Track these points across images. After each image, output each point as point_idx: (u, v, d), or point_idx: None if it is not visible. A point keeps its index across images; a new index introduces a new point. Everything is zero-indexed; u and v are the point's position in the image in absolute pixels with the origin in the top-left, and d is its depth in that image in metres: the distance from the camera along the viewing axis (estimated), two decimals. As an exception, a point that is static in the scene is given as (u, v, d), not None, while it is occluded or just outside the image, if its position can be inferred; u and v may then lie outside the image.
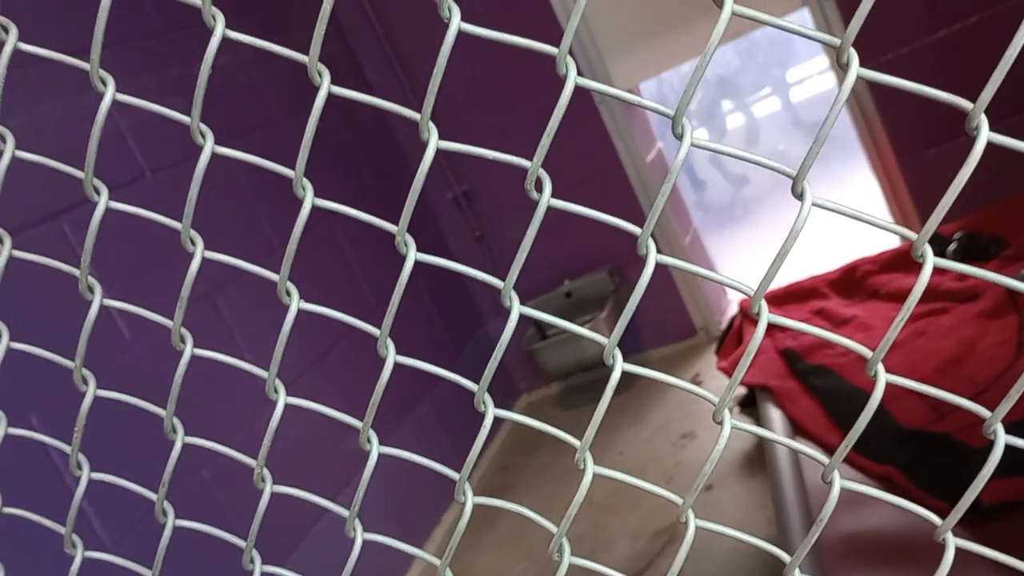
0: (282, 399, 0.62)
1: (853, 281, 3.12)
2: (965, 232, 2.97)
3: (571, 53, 0.53)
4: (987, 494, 1.67)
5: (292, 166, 0.59)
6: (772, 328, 3.13)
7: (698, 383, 3.50)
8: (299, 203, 0.59)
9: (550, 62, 0.53)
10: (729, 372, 2.89)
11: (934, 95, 0.51)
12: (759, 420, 2.54)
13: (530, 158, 0.56)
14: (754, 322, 2.97)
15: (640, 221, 0.54)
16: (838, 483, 0.60)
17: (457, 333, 3.80)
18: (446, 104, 3.38)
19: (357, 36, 3.76)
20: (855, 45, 0.50)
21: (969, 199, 2.72)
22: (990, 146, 0.51)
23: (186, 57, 2.75)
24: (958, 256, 2.95)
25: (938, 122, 3.22)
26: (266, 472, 0.65)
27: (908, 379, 0.61)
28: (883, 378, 0.57)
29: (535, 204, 0.56)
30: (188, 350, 0.63)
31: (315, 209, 0.59)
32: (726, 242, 5.44)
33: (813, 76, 7.40)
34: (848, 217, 0.55)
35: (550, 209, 0.56)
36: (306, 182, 0.59)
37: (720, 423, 0.60)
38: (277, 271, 0.61)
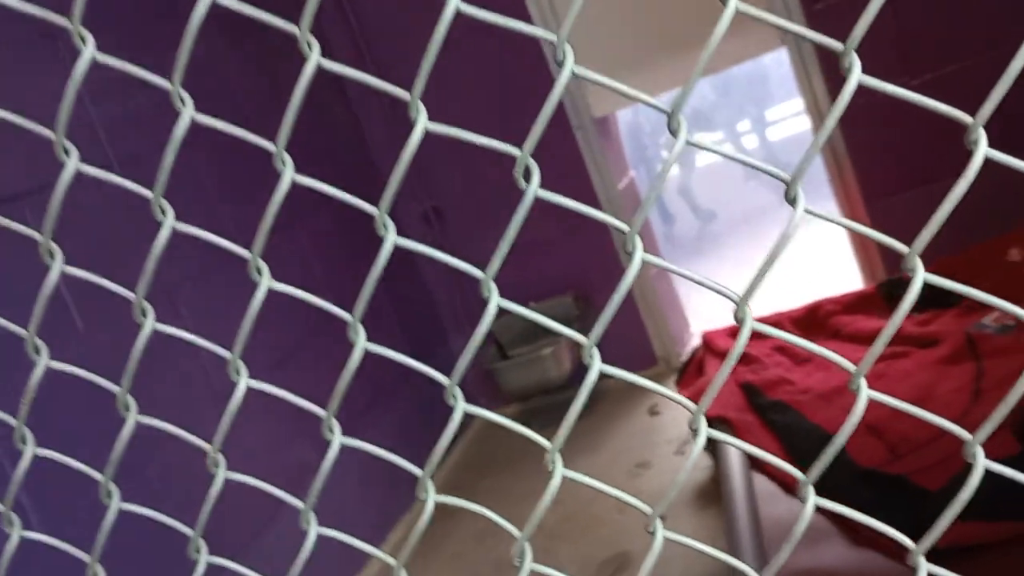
0: (243, 381, 0.60)
1: (816, 320, 3.14)
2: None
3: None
4: (944, 537, 1.67)
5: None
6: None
7: (655, 413, 3.50)
8: (264, 201, 0.57)
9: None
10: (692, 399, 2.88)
11: (934, 106, 0.50)
12: (716, 452, 2.54)
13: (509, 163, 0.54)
14: (717, 354, 2.98)
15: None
16: (812, 499, 0.59)
17: (420, 348, 3.77)
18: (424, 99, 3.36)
19: (325, 15, 3.74)
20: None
21: (934, 246, 2.76)
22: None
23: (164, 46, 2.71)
24: (920, 302, 2.99)
25: (908, 168, 3.28)
26: (220, 457, 0.62)
27: (887, 397, 0.60)
28: (864, 393, 0.56)
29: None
30: (149, 323, 0.60)
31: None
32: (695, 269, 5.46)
33: (788, 118, 7.49)
34: (839, 225, 0.54)
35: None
36: (287, 156, 0.57)
37: (696, 431, 0.58)
38: (242, 273, 0.58)
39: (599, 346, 0.59)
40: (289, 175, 0.56)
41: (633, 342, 3.82)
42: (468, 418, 3.13)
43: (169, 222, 0.58)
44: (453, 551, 3.02)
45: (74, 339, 2.18)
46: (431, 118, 0.54)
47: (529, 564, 0.59)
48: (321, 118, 3.53)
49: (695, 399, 2.63)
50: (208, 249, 2.30)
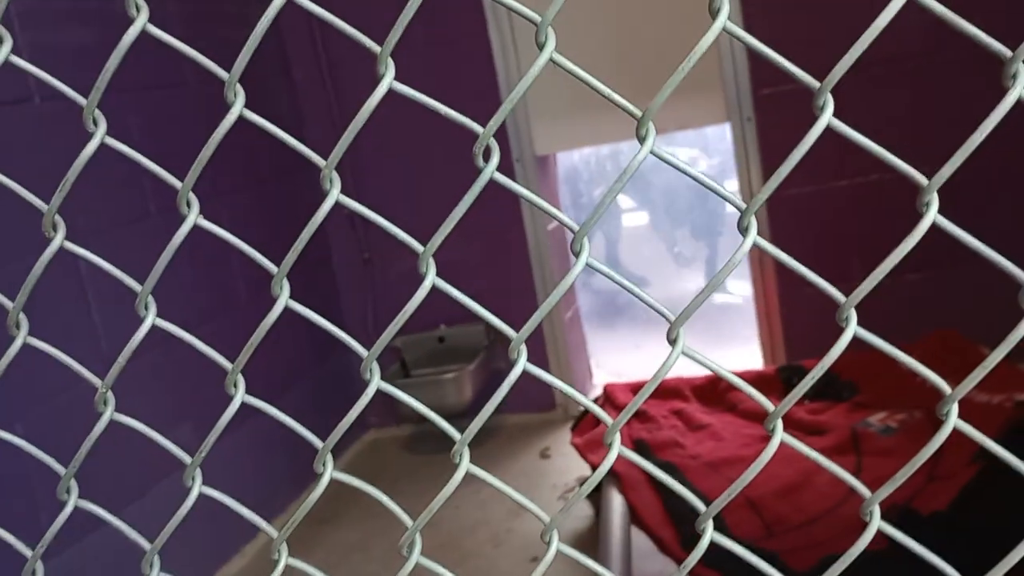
0: (151, 317, 0.56)
1: (715, 392, 3.20)
2: (825, 372, 3.11)
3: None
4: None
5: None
6: (630, 417, 3.16)
7: (547, 457, 3.50)
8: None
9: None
10: (582, 449, 2.89)
11: (893, 161, 0.51)
12: (599, 501, 2.54)
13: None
14: (616, 407, 2.99)
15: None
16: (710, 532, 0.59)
17: (323, 346, 3.68)
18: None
19: (293, 35, 3.70)
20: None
21: (832, 343, 2.86)
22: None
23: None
24: (815, 391, 3.08)
25: (829, 264, 3.39)
26: (111, 396, 0.58)
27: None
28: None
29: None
30: (59, 239, 0.56)
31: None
32: (604, 330, 5.51)
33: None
34: (780, 260, 0.54)
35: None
36: (238, 88, 0.54)
37: (609, 445, 0.57)
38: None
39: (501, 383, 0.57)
40: (241, 102, 0.53)
41: (535, 385, 3.80)
42: (359, 431, 3.07)
43: (101, 132, 0.55)
44: (321, 559, 2.93)
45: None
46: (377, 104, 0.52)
47: (417, 555, 0.56)
48: (263, 100, 3.46)
49: (586, 449, 2.63)
50: (126, 200, 2.20)
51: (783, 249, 0.54)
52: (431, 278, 0.55)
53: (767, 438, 2.43)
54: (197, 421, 2.78)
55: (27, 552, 0.65)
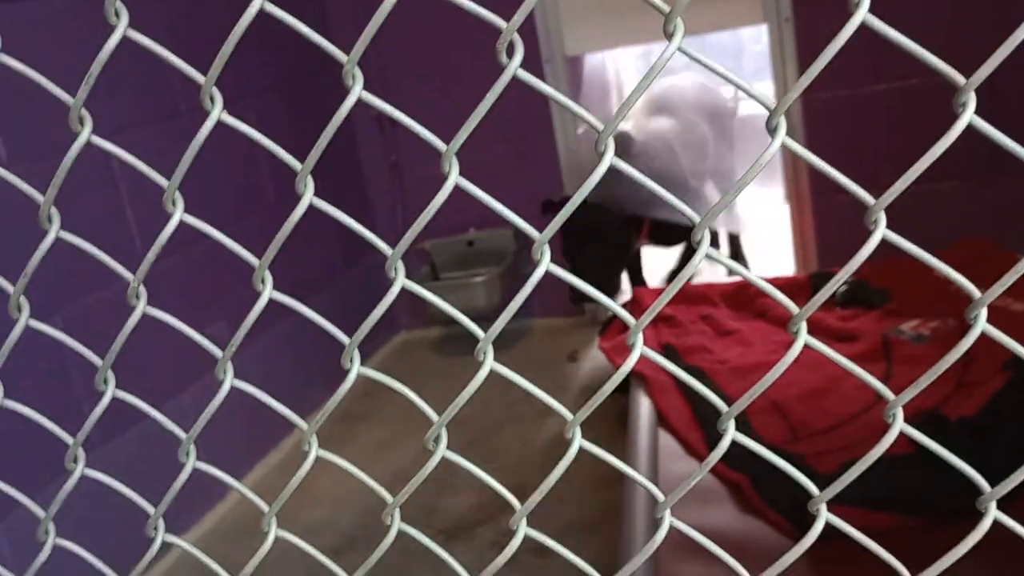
0: (178, 213, 0.57)
1: (745, 298, 3.19)
2: (856, 279, 3.09)
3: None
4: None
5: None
6: (658, 322, 3.17)
7: (575, 360, 3.54)
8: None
9: None
10: (610, 352, 2.92)
11: (929, 59, 0.49)
12: (627, 405, 2.57)
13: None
14: (643, 310, 3.00)
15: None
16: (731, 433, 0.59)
17: (353, 250, 3.71)
18: None
19: None
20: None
21: (880, 250, 2.81)
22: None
23: None
24: (847, 299, 3.06)
25: (863, 171, 3.32)
26: (142, 289, 0.60)
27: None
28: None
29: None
30: (85, 133, 0.57)
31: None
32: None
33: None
34: (810, 163, 0.53)
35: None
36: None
37: (632, 346, 0.58)
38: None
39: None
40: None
41: (563, 288, 3.83)
42: (389, 332, 3.12)
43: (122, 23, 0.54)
44: (353, 454, 3.02)
45: None
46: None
47: (443, 449, 0.58)
48: None
49: (614, 353, 2.65)
50: (155, 99, 2.18)
51: (816, 154, 0.53)
52: (454, 176, 0.54)
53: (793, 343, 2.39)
54: (229, 320, 2.84)
55: (69, 439, 0.68)
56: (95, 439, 2.29)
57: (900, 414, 0.58)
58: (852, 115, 3.32)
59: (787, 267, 3.79)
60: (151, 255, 0.57)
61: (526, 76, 0.54)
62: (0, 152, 2.19)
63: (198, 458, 0.67)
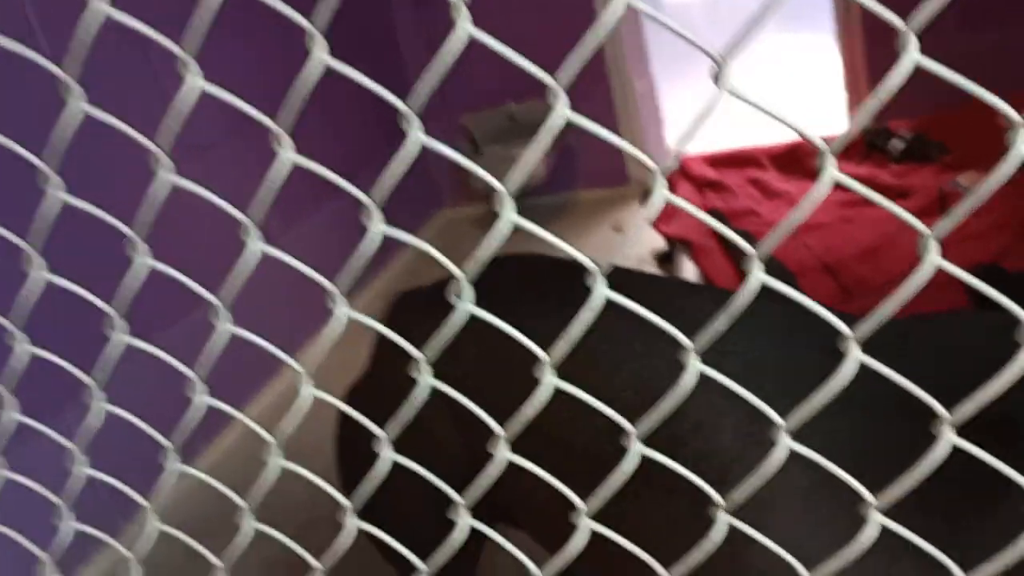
0: (197, 80, 0.56)
1: (795, 158, 3.12)
2: (913, 133, 2.99)
3: None
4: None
5: None
6: (704, 188, 3.12)
7: (620, 231, 3.52)
8: None
9: None
10: (654, 220, 2.90)
11: None
12: (673, 272, 2.57)
13: None
14: (690, 179, 2.95)
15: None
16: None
17: (392, 129, 3.67)
18: None
19: None
20: None
21: (921, 103, 2.69)
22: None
23: None
24: (903, 155, 2.98)
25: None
26: (166, 159, 0.60)
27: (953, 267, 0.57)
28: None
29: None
30: None
31: None
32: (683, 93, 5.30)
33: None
34: (863, 5, 0.50)
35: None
36: None
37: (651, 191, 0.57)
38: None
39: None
40: None
41: (607, 159, 3.78)
42: (432, 208, 3.09)
43: None
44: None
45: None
46: None
47: (467, 305, 0.58)
48: None
49: (658, 220, 2.62)
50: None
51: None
52: (466, 27, 0.53)
53: (846, 204, 2.42)
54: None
55: (111, 310, 0.70)
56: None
57: (933, 246, 0.55)
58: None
59: (839, 124, 3.67)
60: (173, 124, 0.57)
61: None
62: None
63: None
